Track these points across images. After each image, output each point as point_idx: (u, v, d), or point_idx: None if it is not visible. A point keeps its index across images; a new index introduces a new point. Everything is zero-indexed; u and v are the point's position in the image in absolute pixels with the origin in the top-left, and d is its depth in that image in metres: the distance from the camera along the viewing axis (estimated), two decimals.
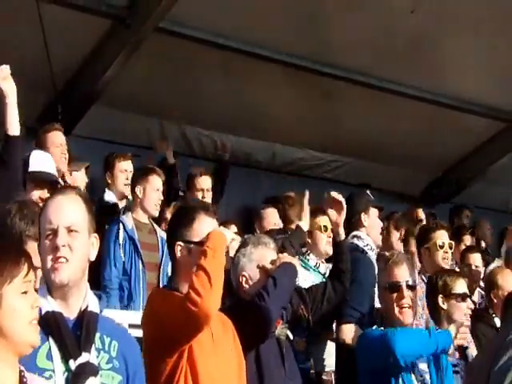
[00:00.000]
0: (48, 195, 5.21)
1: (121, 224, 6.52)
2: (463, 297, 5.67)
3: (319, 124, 10.11)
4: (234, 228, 7.99)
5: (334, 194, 5.89)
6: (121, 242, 6.45)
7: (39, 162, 5.51)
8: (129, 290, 6.40)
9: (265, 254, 4.91)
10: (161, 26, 8.35)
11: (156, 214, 6.74)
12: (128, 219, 6.59)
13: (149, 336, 3.73)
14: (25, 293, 2.69)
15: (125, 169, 7.51)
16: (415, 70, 9.76)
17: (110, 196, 7.44)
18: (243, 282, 4.87)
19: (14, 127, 4.77)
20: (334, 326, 5.95)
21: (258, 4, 8.58)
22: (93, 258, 3.18)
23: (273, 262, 4.88)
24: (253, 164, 10.27)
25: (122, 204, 7.31)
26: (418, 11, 8.98)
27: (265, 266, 4.86)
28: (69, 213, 3.10)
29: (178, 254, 3.89)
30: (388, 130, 10.48)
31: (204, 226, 3.88)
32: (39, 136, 6.93)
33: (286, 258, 5.03)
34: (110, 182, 7.51)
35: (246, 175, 10.10)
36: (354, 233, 6.30)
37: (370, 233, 6.34)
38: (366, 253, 6.14)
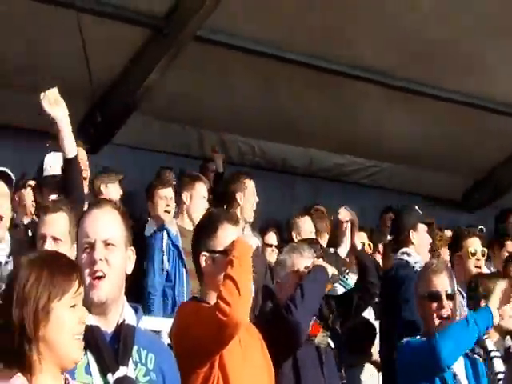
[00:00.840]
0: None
1: (165, 231, 6.50)
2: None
3: (356, 128, 10.09)
4: (272, 235, 7.98)
5: (341, 212, 5.88)
6: (165, 249, 6.43)
7: (53, 165, 5.53)
8: (173, 297, 6.37)
9: (299, 261, 4.92)
10: (198, 34, 8.40)
11: None
12: (172, 226, 6.57)
13: (179, 348, 3.71)
14: (73, 306, 2.70)
15: (165, 195, 7.38)
16: (456, 73, 9.71)
17: (150, 231, 7.22)
18: (278, 290, 4.90)
19: (70, 150, 4.72)
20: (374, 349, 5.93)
21: (294, 10, 8.59)
22: (129, 272, 3.18)
23: (307, 268, 4.89)
24: (289, 170, 10.28)
25: None
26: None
27: (297, 271, 4.86)
28: (105, 226, 3.11)
29: (203, 263, 3.90)
30: (428, 135, 10.43)
31: (227, 234, 3.89)
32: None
33: (317, 261, 5.02)
34: (150, 210, 7.45)
35: (282, 181, 10.12)
36: (403, 250, 6.25)
37: (418, 250, 6.24)
38: (417, 270, 6.09)
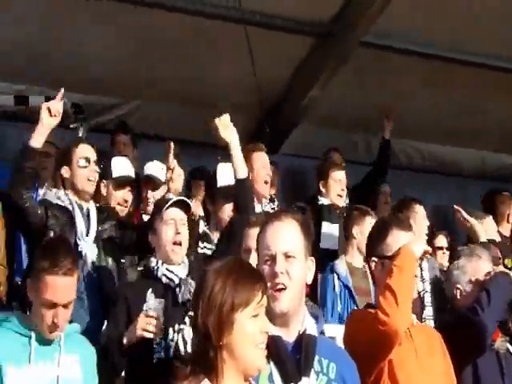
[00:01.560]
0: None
1: (335, 274, 6.51)
2: None
3: None
4: (442, 238, 7.90)
5: None
6: (337, 290, 6.46)
7: (226, 175, 5.64)
8: None
9: (478, 266, 4.85)
10: (365, 39, 8.40)
11: None
12: (342, 265, 6.56)
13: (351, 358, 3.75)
14: (255, 316, 2.75)
15: (339, 179, 7.34)
16: None
17: (323, 201, 7.32)
18: (457, 295, 4.85)
19: (241, 171, 4.97)
20: None
21: (463, 10, 8.43)
22: (309, 282, 3.22)
23: (487, 275, 4.81)
24: (460, 172, 10.11)
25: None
26: None
27: (478, 279, 4.80)
28: (286, 239, 3.14)
29: (373, 268, 3.97)
30: None
31: (397, 240, 3.92)
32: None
33: (499, 268, 4.95)
34: (323, 190, 7.35)
35: (453, 184, 9.95)
36: None
37: None
38: None
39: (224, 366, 2.72)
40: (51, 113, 4.99)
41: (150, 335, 4.45)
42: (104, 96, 8.30)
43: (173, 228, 4.77)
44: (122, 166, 6.07)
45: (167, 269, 4.74)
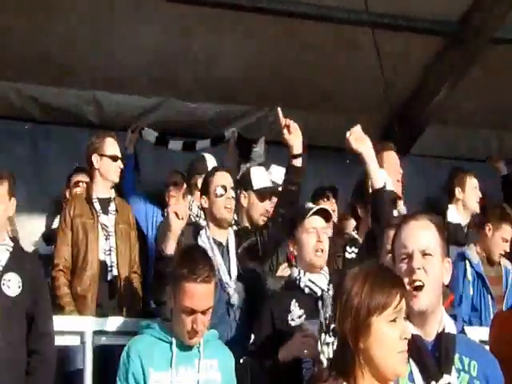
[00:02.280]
0: None
1: (467, 261, 6.50)
2: None
3: None
4: None
5: None
6: (469, 278, 6.43)
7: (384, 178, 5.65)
8: (479, 325, 6.28)
9: None
10: (496, 36, 8.23)
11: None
12: (473, 254, 6.55)
13: (497, 359, 3.57)
14: (393, 321, 2.72)
15: (474, 186, 7.39)
16: None
17: (452, 216, 7.32)
18: None
19: (376, 181, 4.91)
20: None
21: None
22: (446, 282, 3.20)
23: None
24: None
25: (465, 221, 7.17)
26: None
27: None
28: (422, 237, 3.14)
29: None
30: None
31: None
32: None
33: None
34: (459, 197, 7.40)
35: None
36: None
37: None
38: None
39: (363, 370, 2.71)
40: (178, 216, 5.05)
41: (306, 355, 4.51)
42: (234, 104, 8.39)
43: (314, 236, 4.88)
44: (261, 177, 6.14)
45: (310, 279, 4.82)
